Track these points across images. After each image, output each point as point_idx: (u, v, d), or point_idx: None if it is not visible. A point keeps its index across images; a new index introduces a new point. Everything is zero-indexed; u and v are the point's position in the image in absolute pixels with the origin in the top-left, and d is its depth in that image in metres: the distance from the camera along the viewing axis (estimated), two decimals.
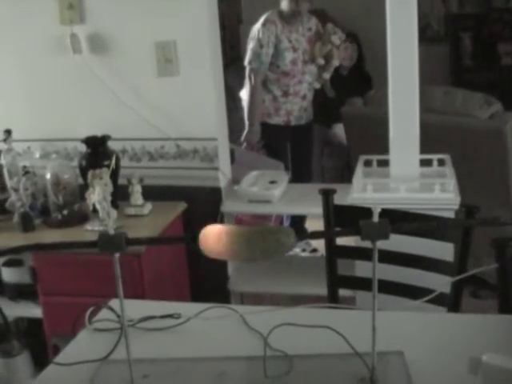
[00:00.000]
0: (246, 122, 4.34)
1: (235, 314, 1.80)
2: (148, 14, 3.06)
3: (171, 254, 3.12)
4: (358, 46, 5.67)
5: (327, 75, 4.42)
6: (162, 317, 1.79)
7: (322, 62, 4.31)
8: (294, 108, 4.38)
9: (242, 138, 4.33)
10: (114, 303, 1.77)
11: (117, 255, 1.36)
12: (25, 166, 3.05)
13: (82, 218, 2.96)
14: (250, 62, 4.24)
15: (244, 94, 4.40)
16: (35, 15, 3.18)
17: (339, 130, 5.17)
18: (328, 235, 2.15)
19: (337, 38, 4.29)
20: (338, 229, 2.27)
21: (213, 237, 1.30)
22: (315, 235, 1.38)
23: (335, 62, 4.36)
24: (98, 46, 3.17)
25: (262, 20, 4.23)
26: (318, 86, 4.46)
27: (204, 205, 3.19)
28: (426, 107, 3.09)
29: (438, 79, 5.83)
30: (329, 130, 5.39)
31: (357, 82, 5.51)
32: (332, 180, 5.27)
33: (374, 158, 3.01)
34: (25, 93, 3.33)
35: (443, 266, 2.14)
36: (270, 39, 4.17)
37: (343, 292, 2.40)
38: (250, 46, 4.24)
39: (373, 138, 3.24)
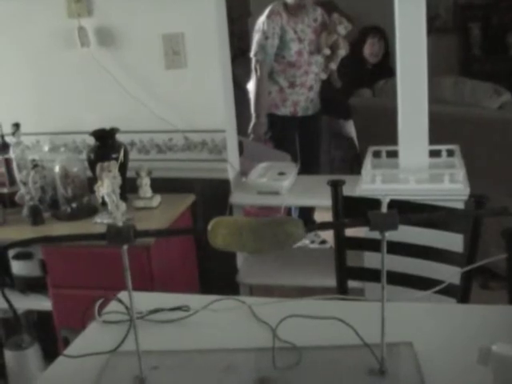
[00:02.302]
0: (253, 114, 4.34)
1: (244, 305, 1.80)
2: (155, 6, 3.06)
3: (180, 247, 3.12)
4: (385, 41, 5.60)
5: (334, 65, 4.42)
6: (171, 309, 1.79)
7: (328, 52, 4.31)
8: (301, 99, 4.37)
9: (249, 129, 4.33)
10: (123, 295, 1.78)
11: (125, 247, 1.35)
12: (34, 160, 3.05)
13: (90, 210, 2.97)
14: (255, 54, 4.24)
15: (251, 86, 4.40)
16: (42, 9, 3.18)
17: (349, 127, 5.15)
18: (336, 226, 2.14)
19: (343, 28, 4.28)
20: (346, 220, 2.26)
21: (221, 229, 1.30)
22: (324, 226, 1.37)
23: (341, 52, 4.36)
24: (105, 39, 3.17)
25: (266, 12, 4.23)
26: (324, 76, 4.46)
27: (213, 197, 3.19)
28: (435, 98, 3.08)
29: (447, 70, 5.80)
30: (337, 122, 5.37)
31: (380, 77, 5.46)
32: (341, 171, 5.26)
33: (383, 149, 3.00)
34: (33, 86, 3.33)
35: (453, 256, 2.13)
36: (274, 31, 4.17)
37: (352, 284, 2.39)
38: (256, 38, 4.24)
39: (382, 129, 3.23)
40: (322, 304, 1.84)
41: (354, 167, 4.84)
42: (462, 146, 2.96)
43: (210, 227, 1.30)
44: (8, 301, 1.52)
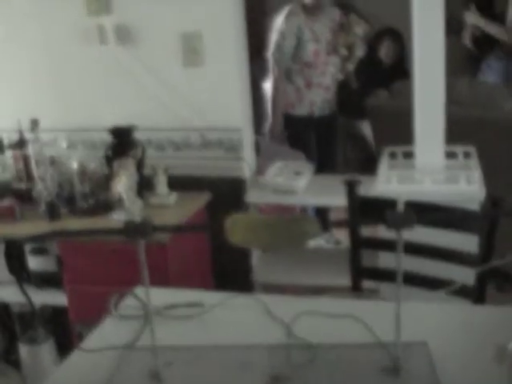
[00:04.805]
0: (270, 113, 4.35)
1: (258, 302, 1.80)
2: (174, 4, 3.07)
3: (195, 244, 3.13)
4: (400, 44, 5.55)
5: (351, 66, 4.42)
6: (186, 305, 1.80)
7: (344, 52, 4.31)
8: (317, 99, 4.37)
9: (266, 129, 4.34)
10: (139, 291, 1.79)
11: (142, 242, 1.36)
12: (52, 156, 3.08)
13: (107, 207, 2.98)
14: (272, 54, 4.25)
15: (268, 86, 4.41)
16: (62, 6, 3.20)
17: (365, 127, 5.14)
18: (352, 224, 2.14)
19: (360, 28, 4.28)
20: None
21: (237, 226, 1.31)
22: (339, 224, 1.38)
23: (358, 53, 4.36)
24: (124, 37, 3.18)
25: (284, 12, 4.23)
26: (341, 77, 4.46)
27: (228, 195, 3.20)
28: (450, 99, 3.07)
29: (462, 71, 5.77)
30: (353, 122, 5.35)
31: (396, 78, 5.43)
32: (356, 171, 5.23)
33: (399, 149, 3.00)
34: (52, 83, 3.35)
35: (468, 258, 2.13)
36: (292, 31, 4.17)
37: (366, 284, 2.39)
38: (273, 37, 4.25)
39: (398, 130, 3.22)
40: (337, 302, 1.84)
41: (370, 167, 4.83)
42: (478, 148, 2.95)
43: (227, 223, 1.31)
44: (27, 295, 1.53)
